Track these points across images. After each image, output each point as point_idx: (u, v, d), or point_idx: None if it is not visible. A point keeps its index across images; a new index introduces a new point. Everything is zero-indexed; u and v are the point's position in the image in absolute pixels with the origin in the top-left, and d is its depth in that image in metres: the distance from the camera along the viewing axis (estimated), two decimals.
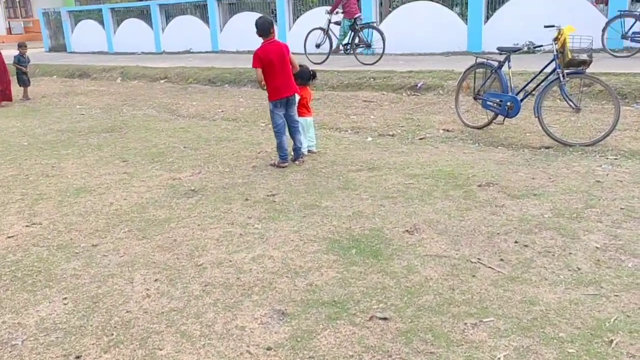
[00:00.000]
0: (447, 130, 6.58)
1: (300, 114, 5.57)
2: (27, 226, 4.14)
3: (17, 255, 3.62)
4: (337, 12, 11.06)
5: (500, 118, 6.26)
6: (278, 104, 5.34)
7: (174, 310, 2.84)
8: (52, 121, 8.52)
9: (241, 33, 16.27)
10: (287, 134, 5.45)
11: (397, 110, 7.81)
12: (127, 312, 2.86)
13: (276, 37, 5.46)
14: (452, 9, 12.97)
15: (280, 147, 5.38)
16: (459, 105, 6.90)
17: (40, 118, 8.86)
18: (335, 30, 11.41)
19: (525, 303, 2.76)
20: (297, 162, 5.45)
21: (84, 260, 3.49)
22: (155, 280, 3.18)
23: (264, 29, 5.26)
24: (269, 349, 2.48)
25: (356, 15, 10.98)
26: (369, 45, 11.09)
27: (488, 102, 6.31)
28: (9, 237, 3.94)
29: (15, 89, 10.81)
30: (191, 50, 17.55)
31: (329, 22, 11.26)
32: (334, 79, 9.82)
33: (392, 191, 4.50)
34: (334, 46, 11.53)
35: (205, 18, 17.34)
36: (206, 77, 11.64)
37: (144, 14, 19.11)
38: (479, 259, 3.25)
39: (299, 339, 2.54)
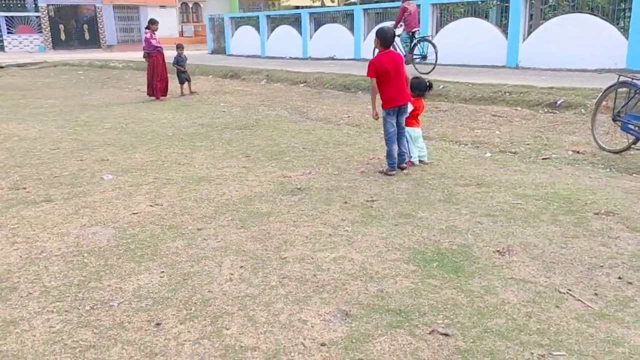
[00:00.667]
0: (577, 152, 6.08)
1: (408, 124, 5.56)
2: (150, 206, 4.65)
3: (135, 230, 4.09)
4: (400, 26, 12.03)
5: None
6: (391, 112, 5.40)
7: (248, 296, 3.03)
8: (197, 116, 9.39)
9: None
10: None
11: (527, 127, 7.39)
12: (209, 291, 3.11)
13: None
14: (612, 23, 11.89)
15: (389, 155, 5.42)
16: (596, 126, 6.34)
17: (188, 112, 9.80)
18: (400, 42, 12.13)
19: (607, 342, 2.51)
20: (402, 165, 5.46)
21: (186, 241, 3.85)
22: (241, 267, 3.41)
23: (387, 39, 5.37)
24: (322, 344, 2.55)
25: (414, 29, 12.12)
26: (424, 57, 12.10)
27: (629, 125, 5.73)
28: (133, 213, 4.46)
29: (175, 86, 12.11)
30: (334, 57, 18.14)
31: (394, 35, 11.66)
32: (467, 92, 9.56)
33: (495, 209, 4.31)
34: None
35: (351, 26, 17.83)
36: (342, 83, 11.98)
37: (296, 22, 20.18)
38: (569, 289, 3.01)
39: (354, 340, 2.58)
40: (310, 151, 6.51)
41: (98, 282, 3.24)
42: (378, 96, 5.47)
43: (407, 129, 5.58)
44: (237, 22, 23.42)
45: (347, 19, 18.27)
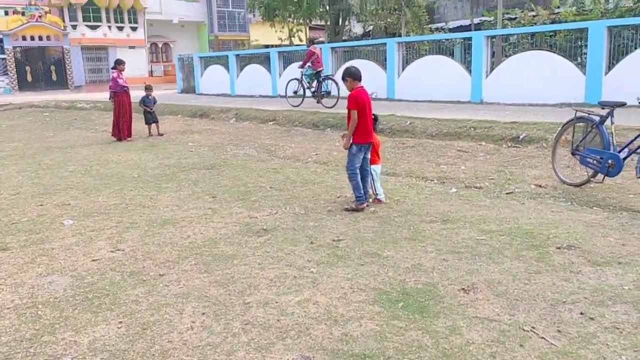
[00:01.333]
0: (540, 186, 6.20)
1: (372, 162, 5.64)
2: (111, 251, 4.53)
3: (94, 278, 3.96)
4: (308, 66, 14.23)
5: (600, 176, 5.79)
6: (362, 148, 5.46)
7: (209, 345, 2.94)
8: (164, 156, 9.30)
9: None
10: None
11: (491, 162, 7.53)
12: (168, 341, 3.00)
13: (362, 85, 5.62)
14: (570, 59, 12.35)
15: (357, 188, 5.44)
16: (556, 160, 6.50)
17: (155, 153, 9.71)
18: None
19: None
20: (369, 201, 5.56)
21: (147, 288, 3.74)
22: (203, 313, 3.32)
23: (358, 75, 5.53)
24: None
25: (319, 69, 14.22)
26: (328, 93, 14.15)
27: (587, 159, 5.88)
28: (93, 260, 4.33)
29: (143, 126, 12.03)
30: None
31: (302, 74, 14.55)
32: (433, 127, 9.72)
33: (460, 246, 4.32)
34: (306, 93, 14.60)
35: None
36: (310, 120, 12.07)
37: (265, 60, 20.40)
38: (533, 327, 3.00)
39: None
40: (278, 190, 6.48)
41: (51, 336, 3.10)
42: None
43: (372, 166, 5.63)
44: (207, 62, 23.56)
45: None
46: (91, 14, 33.03)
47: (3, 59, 30.25)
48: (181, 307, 3.43)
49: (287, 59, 19.60)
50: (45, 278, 3.96)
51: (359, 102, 5.38)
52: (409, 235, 4.63)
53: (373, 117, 5.66)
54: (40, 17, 30.58)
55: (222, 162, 8.56)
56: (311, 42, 15.20)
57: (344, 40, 23.85)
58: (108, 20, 33.70)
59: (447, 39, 15.53)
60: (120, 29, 34.28)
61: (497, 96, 13.13)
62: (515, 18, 19.81)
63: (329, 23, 25.54)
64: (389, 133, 10.00)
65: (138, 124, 11.97)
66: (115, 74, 11.51)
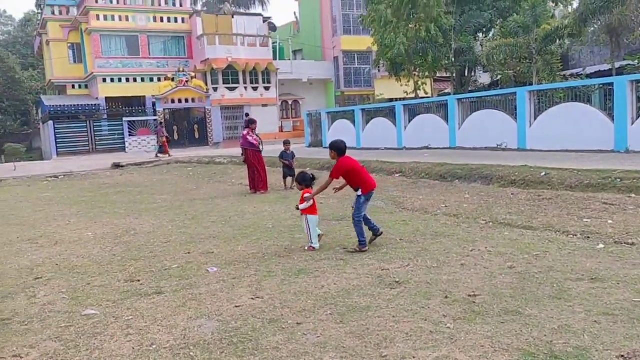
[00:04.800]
0: None
1: (309, 212, 6.46)
2: (251, 298, 4.77)
3: (238, 323, 4.19)
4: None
5: None
6: (368, 196, 6.38)
7: None
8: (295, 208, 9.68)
9: (479, 130, 16.48)
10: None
11: None
12: None
13: None
14: None
15: (361, 233, 6.22)
16: None
17: (287, 205, 10.16)
18: None
19: None
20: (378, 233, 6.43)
21: (286, 335, 3.87)
22: None
23: (343, 149, 6.42)
24: None
25: None
26: None
27: None
28: (236, 306, 4.60)
29: (276, 179, 12.72)
30: (429, 146, 18.26)
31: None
32: (572, 178, 9.15)
33: (614, 307, 3.96)
34: None
35: (445, 116, 18.02)
36: (438, 172, 11.95)
37: (390, 113, 20.75)
38: None
39: None
40: (408, 242, 6.45)
41: None
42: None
43: (309, 216, 6.42)
44: (333, 116, 24.50)
45: (441, 108, 18.52)
46: (230, 77, 36.11)
47: (155, 119, 33.89)
48: (319, 355, 3.50)
49: (412, 112, 19.78)
50: (195, 321, 4.27)
51: (339, 170, 6.34)
52: (552, 293, 4.35)
53: (312, 176, 6.80)
54: (187, 81, 34.06)
55: (350, 214, 8.70)
56: None
57: (470, 91, 23.56)
58: (244, 82, 36.56)
59: (583, 85, 14.72)
60: (255, 88, 36.96)
61: None
62: None
63: (454, 74, 25.46)
64: (521, 184, 9.59)
65: (275, 176, 12.64)
66: (245, 132, 12.41)
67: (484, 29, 25.80)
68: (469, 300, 4.33)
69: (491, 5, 24.18)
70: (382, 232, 6.46)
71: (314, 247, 6.40)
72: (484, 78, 29.42)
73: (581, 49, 25.03)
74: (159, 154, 25.77)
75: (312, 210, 6.51)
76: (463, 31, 23.61)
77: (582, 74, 22.83)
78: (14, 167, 24.86)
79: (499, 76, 24.62)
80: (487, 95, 17.43)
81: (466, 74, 25.58)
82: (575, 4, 24.76)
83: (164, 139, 26.54)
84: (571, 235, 6.34)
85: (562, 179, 9.24)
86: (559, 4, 26.26)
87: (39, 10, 47.53)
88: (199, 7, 47.60)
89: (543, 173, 9.69)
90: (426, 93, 27.20)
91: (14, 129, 45.81)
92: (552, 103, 14.85)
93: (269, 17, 39.74)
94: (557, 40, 21.80)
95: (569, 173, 9.43)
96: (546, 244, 5.94)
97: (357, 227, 6.28)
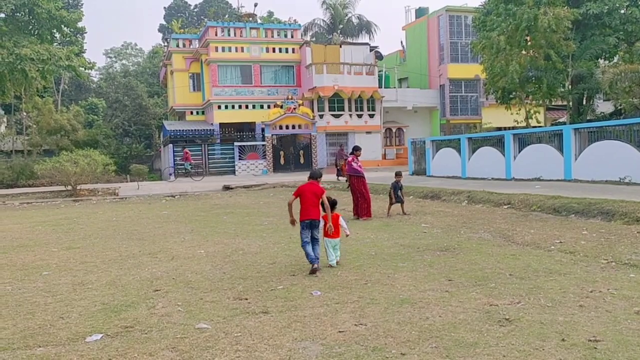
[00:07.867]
0: None
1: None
2: (355, 325, 4.77)
3: (342, 349, 4.20)
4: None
5: None
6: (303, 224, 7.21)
7: None
8: (398, 236, 9.61)
9: (599, 162, 15.42)
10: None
11: None
12: None
13: None
14: None
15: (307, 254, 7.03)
16: None
17: (390, 232, 10.10)
18: None
19: None
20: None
21: None
22: None
23: (316, 174, 7.96)
24: None
25: None
26: None
27: None
28: (340, 331, 4.62)
29: (379, 206, 12.69)
30: (541, 178, 17.33)
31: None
32: None
33: None
34: None
35: (559, 146, 17.06)
36: (551, 205, 11.31)
37: (498, 143, 20.02)
38: None
39: None
40: (518, 278, 6.13)
41: None
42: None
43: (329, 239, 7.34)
44: (438, 145, 24.08)
45: (555, 138, 17.55)
46: (336, 104, 36.93)
47: (263, 144, 35.39)
48: None
49: (522, 141, 18.94)
50: (300, 343, 4.35)
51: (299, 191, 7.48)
52: None
53: (332, 200, 7.63)
54: (294, 109, 35.33)
55: (456, 244, 8.47)
56: None
57: (589, 120, 22.14)
58: (349, 109, 37.17)
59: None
60: (360, 116, 37.42)
61: None
62: None
63: (570, 103, 24.11)
64: None
65: (378, 203, 12.63)
66: (350, 158, 12.55)
67: (606, 55, 24.26)
68: (590, 345, 4.01)
69: (618, 29, 22.71)
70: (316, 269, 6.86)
71: (331, 265, 7.24)
72: (603, 107, 27.55)
73: None
74: (339, 178, 24.30)
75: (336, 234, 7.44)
76: (582, 57, 22.36)
77: None
78: (138, 186, 27.05)
79: (622, 105, 22.94)
80: (609, 125, 16.27)
81: (584, 102, 24.11)
82: None
83: (344, 161, 24.49)
84: None
85: None
86: None
87: (166, 44, 51.86)
88: (308, 37, 49.35)
89: None
90: (539, 122, 25.94)
91: (139, 151, 49.85)
92: None
93: (376, 47, 40.26)
94: None
95: None
96: None
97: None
